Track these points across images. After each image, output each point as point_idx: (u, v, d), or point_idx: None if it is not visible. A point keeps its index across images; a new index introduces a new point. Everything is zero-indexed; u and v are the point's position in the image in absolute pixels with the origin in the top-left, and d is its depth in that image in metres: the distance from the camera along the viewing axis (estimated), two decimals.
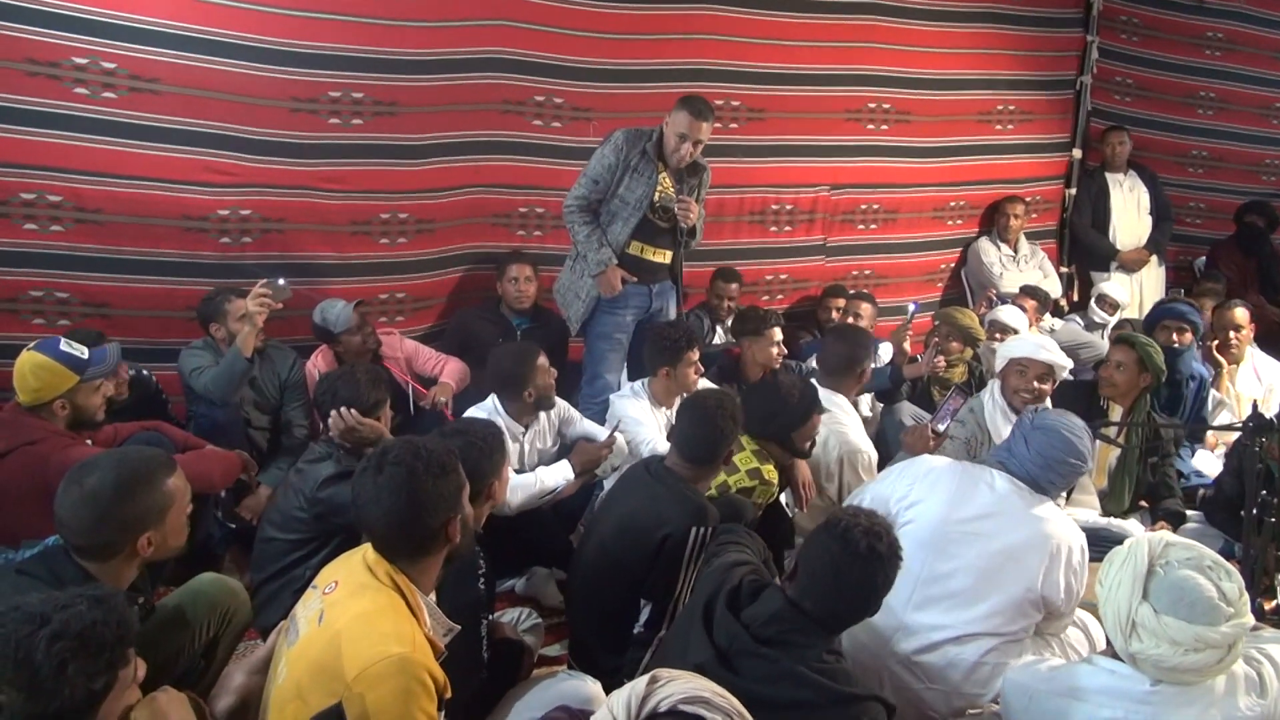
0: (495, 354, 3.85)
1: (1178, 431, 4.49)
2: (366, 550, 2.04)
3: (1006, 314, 5.26)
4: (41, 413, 3.03)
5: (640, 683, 1.55)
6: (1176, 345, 4.67)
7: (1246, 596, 2.01)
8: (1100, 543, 3.01)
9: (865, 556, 2.14)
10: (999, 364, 4.04)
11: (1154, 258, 6.62)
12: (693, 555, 2.77)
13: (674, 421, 3.18)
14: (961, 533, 2.75)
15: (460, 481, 2.10)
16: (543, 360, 3.70)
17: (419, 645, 1.88)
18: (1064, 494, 3.88)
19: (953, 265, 6.59)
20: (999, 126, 6.46)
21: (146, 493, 2.19)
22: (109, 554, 2.16)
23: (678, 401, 4.11)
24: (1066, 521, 2.82)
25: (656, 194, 4.26)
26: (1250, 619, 2.00)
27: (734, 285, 5.40)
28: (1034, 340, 4.13)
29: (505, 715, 2.49)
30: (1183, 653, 1.95)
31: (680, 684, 1.54)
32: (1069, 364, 4.02)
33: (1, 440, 2.95)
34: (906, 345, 4.95)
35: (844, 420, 3.85)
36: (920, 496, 2.85)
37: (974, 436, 3.86)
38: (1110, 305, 6.04)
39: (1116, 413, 4.14)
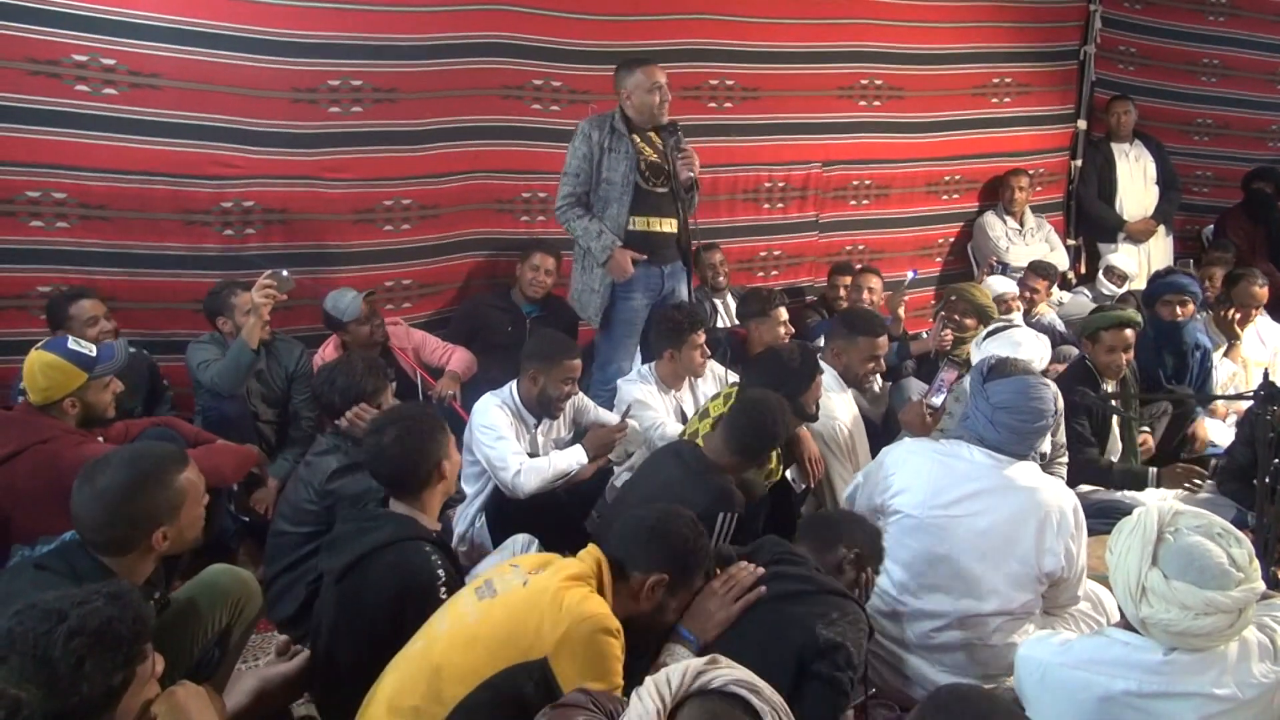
0: (544, 332, 3.98)
1: (1188, 402, 4.48)
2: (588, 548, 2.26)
3: (997, 283, 5.24)
4: (52, 411, 3.02)
5: (699, 660, 1.64)
6: (1180, 318, 4.64)
7: (1257, 563, 2.01)
8: (1111, 514, 3.00)
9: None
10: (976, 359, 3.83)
11: (1161, 227, 6.59)
12: (719, 541, 2.77)
13: (727, 413, 3.16)
14: (949, 516, 2.74)
15: (691, 585, 2.29)
16: (570, 364, 3.62)
17: (610, 610, 2.09)
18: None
19: (951, 239, 6.57)
20: (995, 100, 6.43)
21: (159, 488, 2.20)
22: (124, 549, 2.17)
23: (685, 384, 4.12)
24: (1055, 485, 2.81)
25: (641, 162, 4.23)
26: (1260, 585, 2.00)
27: (716, 254, 5.44)
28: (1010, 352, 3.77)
29: None
30: (1193, 617, 1.95)
31: (737, 672, 1.61)
32: (1043, 358, 3.93)
33: (14, 439, 2.95)
34: (901, 311, 4.92)
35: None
36: (903, 485, 2.84)
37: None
38: (1118, 277, 6.01)
39: (1110, 385, 4.15)
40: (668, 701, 1.55)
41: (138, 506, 2.16)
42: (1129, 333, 4.08)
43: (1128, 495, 3.94)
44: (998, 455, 2.76)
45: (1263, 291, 5.19)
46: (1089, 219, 6.73)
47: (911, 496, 2.80)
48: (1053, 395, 2.82)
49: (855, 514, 2.77)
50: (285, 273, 3.82)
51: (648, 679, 1.61)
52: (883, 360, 4.01)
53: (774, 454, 3.41)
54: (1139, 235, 6.52)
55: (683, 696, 1.56)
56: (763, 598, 2.26)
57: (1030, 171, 6.49)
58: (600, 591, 2.15)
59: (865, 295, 5.39)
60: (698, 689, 1.57)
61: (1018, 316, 5.08)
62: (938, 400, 3.46)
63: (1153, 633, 2.02)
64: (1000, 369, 2.90)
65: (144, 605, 1.69)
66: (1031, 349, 3.82)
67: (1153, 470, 4.05)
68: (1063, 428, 3.77)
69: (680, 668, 1.60)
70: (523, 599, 2.08)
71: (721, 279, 5.42)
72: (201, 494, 2.32)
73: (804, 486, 3.58)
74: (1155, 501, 2.26)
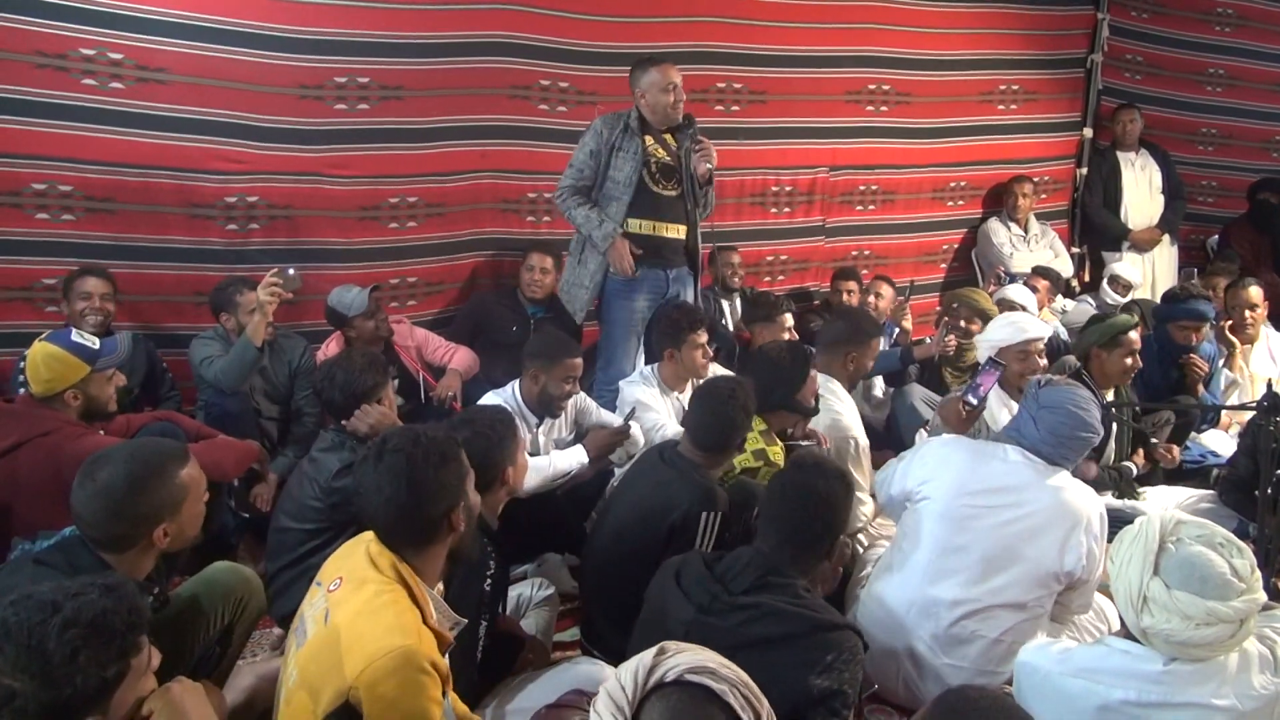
0: (545, 331, 3.99)
1: (1191, 412, 4.48)
2: (370, 542, 2.03)
3: (1014, 291, 5.24)
4: (54, 403, 3.01)
5: (648, 654, 1.56)
6: (1194, 343, 4.63)
7: (1258, 573, 2.01)
8: (1114, 523, 3.00)
9: (810, 477, 2.36)
10: (983, 355, 3.97)
11: (1166, 237, 6.58)
12: (704, 540, 2.77)
13: (687, 407, 3.17)
14: (976, 506, 2.76)
15: (462, 470, 2.09)
16: (571, 363, 3.61)
17: (423, 636, 1.89)
18: None
19: (955, 246, 6.58)
20: (1001, 106, 6.45)
21: (160, 485, 2.19)
22: (125, 546, 2.17)
23: (688, 386, 4.11)
24: (1084, 490, 2.82)
25: (652, 163, 4.22)
26: (1262, 595, 1.99)
27: (734, 255, 5.46)
28: (1011, 323, 4.08)
29: (514, 699, 2.50)
30: (1194, 627, 1.95)
31: (687, 655, 1.56)
32: (1047, 330, 4.05)
33: (15, 432, 2.94)
34: (907, 324, 4.91)
35: (837, 406, 3.78)
36: (933, 473, 2.87)
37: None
38: (1123, 286, 6.01)
39: (1109, 394, 4.15)
40: (627, 711, 1.50)
41: (139, 503, 2.15)
42: (1136, 334, 4.12)
43: (1130, 504, 3.94)
44: (1033, 458, 2.79)
45: (1256, 295, 5.16)
46: (1094, 227, 6.73)
47: (940, 484, 2.82)
48: (1099, 417, 2.85)
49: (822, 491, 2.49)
50: (291, 270, 3.80)
51: (601, 689, 1.54)
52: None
53: (780, 454, 3.41)
54: (1143, 244, 6.51)
55: (640, 699, 1.51)
56: (750, 642, 2.13)
57: (1034, 179, 6.49)
58: (412, 592, 1.95)
59: (872, 300, 5.39)
60: (653, 685, 1.52)
61: None
62: (974, 398, 3.45)
63: (1154, 643, 2.02)
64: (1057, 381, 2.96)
65: (140, 597, 1.68)
66: (1032, 327, 3.96)
67: (1131, 466, 4.10)
68: None
69: (630, 668, 1.54)
70: (323, 654, 1.88)
71: (736, 280, 5.43)
72: (203, 491, 2.31)
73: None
74: (1157, 510, 2.26)
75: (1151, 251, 6.55)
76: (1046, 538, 2.70)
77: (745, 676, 1.56)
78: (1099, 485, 3.97)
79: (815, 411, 3.55)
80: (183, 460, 2.28)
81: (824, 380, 3.79)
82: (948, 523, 2.78)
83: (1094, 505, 2.77)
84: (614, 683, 1.53)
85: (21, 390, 3.68)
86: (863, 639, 2.24)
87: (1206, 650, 1.98)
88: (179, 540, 2.25)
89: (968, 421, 3.40)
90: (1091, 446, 2.92)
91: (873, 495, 3.61)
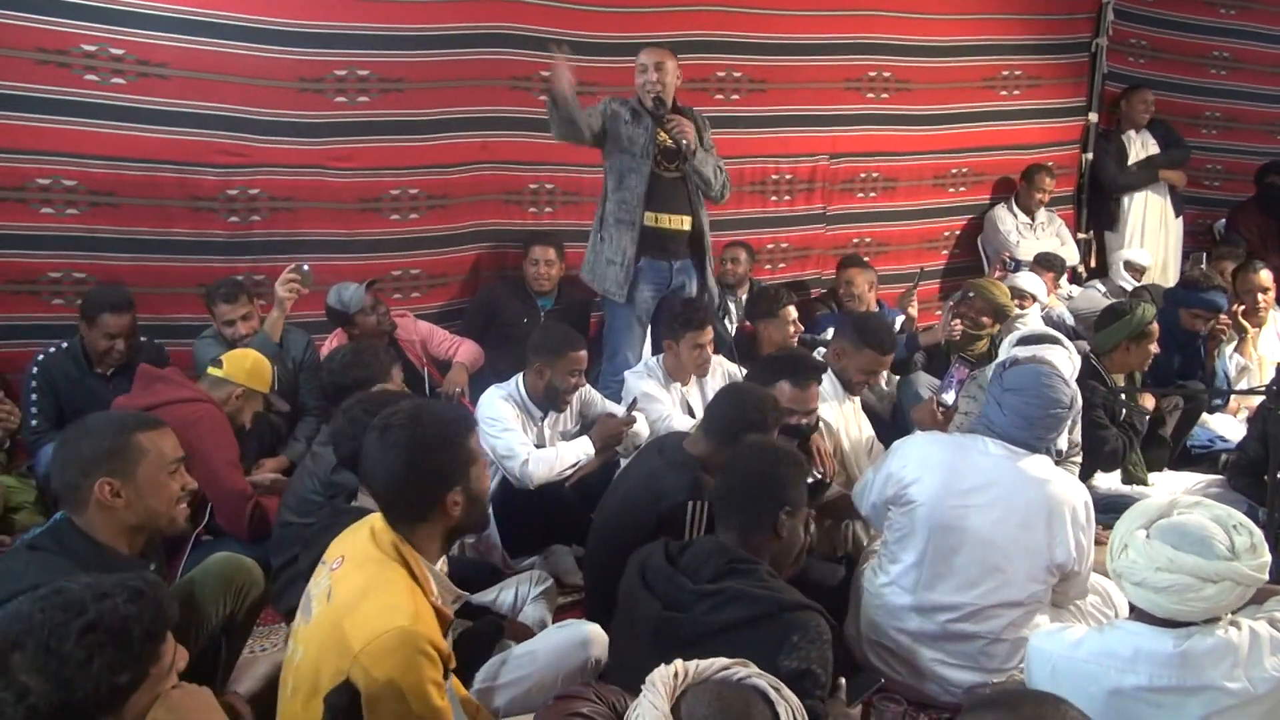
0: (549, 324, 4.01)
1: (1200, 397, 4.46)
2: (375, 520, 2.04)
3: (1024, 280, 5.21)
4: (217, 387, 3.40)
5: (725, 659, 1.60)
6: (1203, 331, 4.61)
7: (1259, 556, 1.99)
8: (1123, 510, 2.99)
9: (754, 450, 2.40)
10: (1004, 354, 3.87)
11: (1170, 211, 6.59)
12: (692, 529, 2.74)
13: (690, 398, 3.14)
14: (963, 507, 2.73)
15: (464, 455, 2.04)
16: (576, 356, 3.60)
17: (421, 617, 1.88)
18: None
19: (958, 233, 6.54)
20: (1004, 92, 6.40)
21: (108, 435, 2.15)
22: (76, 500, 2.13)
23: (693, 379, 4.10)
24: (1067, 479, 2.80)
25: (657, 145, 4.21)
26: (1250, 574, 1.97)
27: (741, 251, 5.42)
28: None
29: (502, 673, 2.51)
30: (1153, 570, 1.99)
31: (764, 680, 1.58)
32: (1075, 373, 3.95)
33: (163, 393, 3.24)
34: (913, 310, 4.90)
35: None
36: (916, 475, 2.82)
37: None
38: (1136, 270, 6.04)
39: (1121, 380, 4.14)
40: (677, 687, 1.52)
41: (83, 447, 2.13)
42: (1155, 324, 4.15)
43: (1138, 490, 3.93)
44: (1012, 447, 2.75)
45: (1263, 278, 5.13)
46: (1116, 187, 6.61)
47: (925, 486, 2.78)
48: (1068, 389, 2.80)
49: (761, 468, 2.40)
50: (306, 267, 3.91)
51: (661, 667, 1.55)
52: (880, 377, 3.95)
53: None
54: (1173, 181, 6.52)
55: (694, 684, 1.53)
56: (715, 629, 2.10)
57: (1050, 165, 6.41)
58: (412, 571, 1.95)
59: (844, 288, 5.33)
60: (707, 677, 1.54)
61: (1034, 311, 5.04)
62: (949, 397, 3.42)
63: (1125, 590, 2.08)
64: (1022, 361, 2.90)
65: (168, 604, 1.65)
66: (1063, 369, 3.80)
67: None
68: (1079, 426, 3.75)
69: (707, 662, 1.57)
70: (325, 631, 1.89)
71: (729, 279, 5.37)
72: (169, 464, 2.22)
73: (817, 477, 3.52)
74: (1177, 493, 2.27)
75: (1157, 237, 6.54)
76: (1034, 534, 2.68)
77: (802, 705, 1.58)
78: (1113, 457, 3.94)
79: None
80: (151, 426, 2.23)
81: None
82: (938, 527, 2.75)
83: (1079, 495, 2.74)
84: (678, 663, 1.57)
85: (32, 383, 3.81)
86: (828, 620, 2.17)
87: (1164, 600, 1.99)
88: (140, 512, 2.17)
89: (944, 422, 3.38)
90: (1063, 421, 2.87)
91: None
